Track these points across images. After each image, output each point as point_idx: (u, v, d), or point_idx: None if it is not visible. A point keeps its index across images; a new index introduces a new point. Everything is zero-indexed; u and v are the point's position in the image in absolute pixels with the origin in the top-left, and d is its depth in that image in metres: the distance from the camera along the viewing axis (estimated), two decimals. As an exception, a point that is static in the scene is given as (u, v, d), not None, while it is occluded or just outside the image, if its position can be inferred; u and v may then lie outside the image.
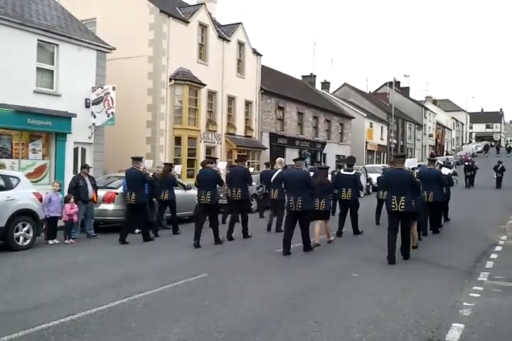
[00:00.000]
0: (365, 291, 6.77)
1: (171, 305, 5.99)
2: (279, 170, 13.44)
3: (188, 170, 22.58)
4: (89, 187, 12.00)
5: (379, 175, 19.76)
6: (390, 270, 8.24)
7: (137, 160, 11.88)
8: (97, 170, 16.82)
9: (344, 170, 12.75)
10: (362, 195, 13.43)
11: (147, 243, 11.19)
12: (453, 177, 16.67)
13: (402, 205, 8.76)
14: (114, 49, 18.52)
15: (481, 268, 8.34)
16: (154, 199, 13.26)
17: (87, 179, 12.10)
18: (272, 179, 13.22)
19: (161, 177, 13.20)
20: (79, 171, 13.17)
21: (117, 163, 18.25)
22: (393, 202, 8.84)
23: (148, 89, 21.69)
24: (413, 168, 11.47)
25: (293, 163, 11.32)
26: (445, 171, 14.53)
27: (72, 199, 11.42)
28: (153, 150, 21.41)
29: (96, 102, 17.79)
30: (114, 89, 17.78)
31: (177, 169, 14.34)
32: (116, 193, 12.98)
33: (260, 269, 8.32)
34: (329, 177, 12.40)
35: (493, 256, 9.59)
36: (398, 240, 8.99)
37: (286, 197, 10.27)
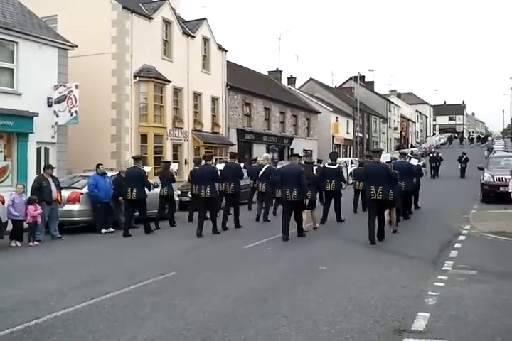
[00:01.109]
0: (333, 284, 6.84)
1: (139, 304, 5.93)
2: (267, 165, 14.80)
3: (155, 168, 22.34)
4: (53, 188, 11.76)
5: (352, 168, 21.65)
6: (358, 262, 8.34)
7: (138, 159, 13.18)
8: (61, 170, 16.46)
9: (328, 164, 14.01)
10: (344, 187, 15.23)
11: (113, 242, 11.12)
12: (422, 168, 17.98)
13: (379, 194, 9.91)
14: (76, 46, 18.17)
15: (446, 258, 8.52)
16: (121, 198, 13.13)
17: (50, 179, 11.86)
18: (260, 173, 14.60)
19: (160, 175, 14.43)
20: (42, 171, 12.92)
21: (82, 163, 17.96)
22: (372, 192, 10.00)
23: (112, 87, 21.35)
24: (387, 162, 12.13)
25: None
26: (414, 162, 15.84)
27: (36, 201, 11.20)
28: (118, 149, 21.12)
29: (58, 101, 17.43)
30: (77, 87, 17.46)
31: (173, 167, 15.27)
32: (82, 193, 12.78)
33: (230, 265, 8.31)
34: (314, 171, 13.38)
35: (457, 245, 9.82)
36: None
37: (280, 190, 11.51)
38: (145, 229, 12.28)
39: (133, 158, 13.70)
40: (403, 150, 19.18)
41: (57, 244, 11.09)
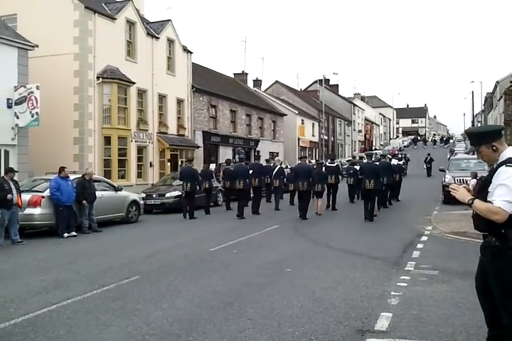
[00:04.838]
0: (298, 286, 6.85)
1: (101, 310, 5.82)
2: (279, 166, 19.04)
3: (119, 170, 22.05)
4: (14, 191, 11.46)
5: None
6: (322, 263, 8.39)
7: (190, 161, 17.71)
8: (22, 173, 16.04)
9: (328, 163, 18.30)
10: (340, 180, 18.74)
11: (75, 246, 10.89)
12: (403, 166, 22.75)
13: (372, 185, 13.91)
14: (37, 46, 17.81)
15: (408, 258, 8.66)
16: (84, 201, 12.90)
17: (11, 183, 11.55)
18: (274, 172, 18.58)
19: (203, 172, 17.66)
20: (3, 175, 12.58)
21: (44, 165, 17.60)
22: (366, 183, 14.03)
23: (74, 88, 20.98)
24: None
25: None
26: (394, 161, 20.84)
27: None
28: (81, 151, 20.75)
29: (19, 102, 17.06)
30: (38, 88, 17.11)
31: (212, 167, 20.11)
32: (43, 196, 12.48)
33: (194, 268, 8.22)
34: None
35: (420, 245, 9.99)
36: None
37: (292, 183, 16.43)
38: (190, 215, 15.66)
39: (186, 160, 19.29)
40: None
41: (18, 249, 10.80)
